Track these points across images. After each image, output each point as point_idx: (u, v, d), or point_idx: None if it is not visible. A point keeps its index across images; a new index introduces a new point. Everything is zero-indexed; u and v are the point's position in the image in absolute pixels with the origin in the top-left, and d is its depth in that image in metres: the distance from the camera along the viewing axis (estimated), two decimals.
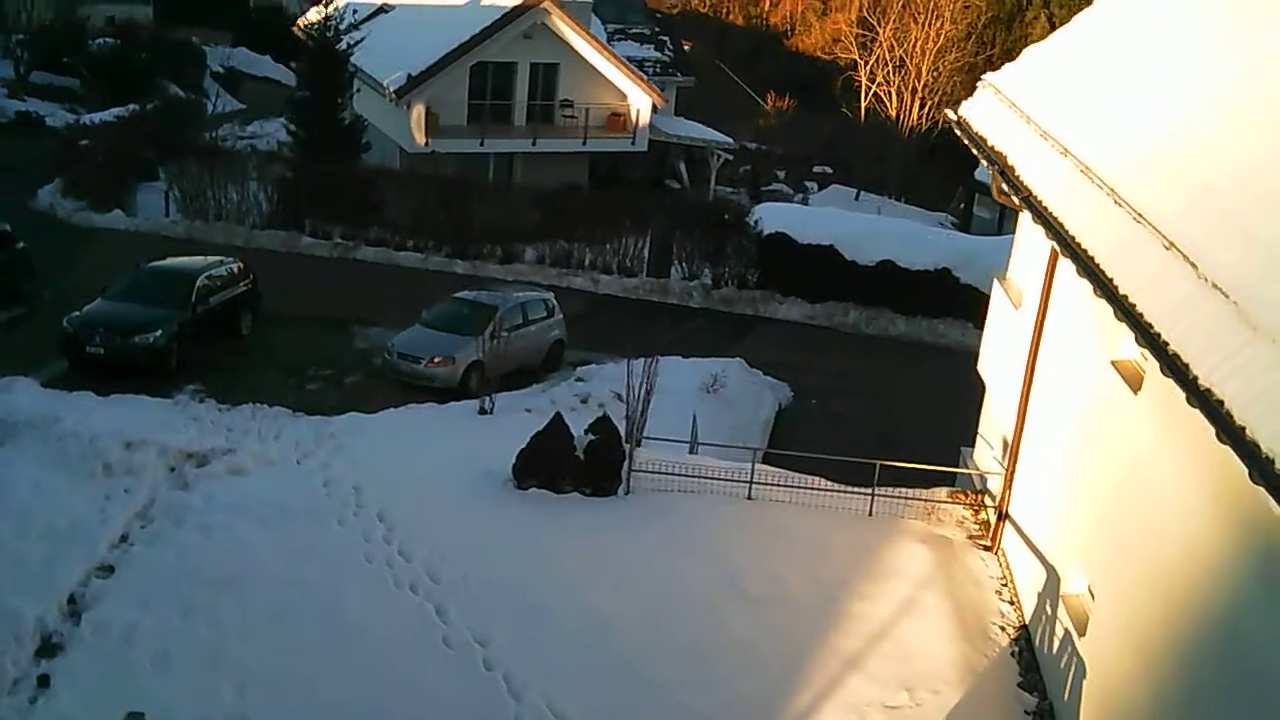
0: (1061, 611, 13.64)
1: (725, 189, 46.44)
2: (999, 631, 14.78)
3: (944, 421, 21.92)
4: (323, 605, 13.80)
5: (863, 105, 49.51)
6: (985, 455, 18.17)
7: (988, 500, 17.34)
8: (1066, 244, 12.19)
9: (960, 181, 54.74)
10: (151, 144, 37.86)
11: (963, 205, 41.21)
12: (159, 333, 21.77)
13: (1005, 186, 14.96)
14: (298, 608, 13.72)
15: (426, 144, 37.20)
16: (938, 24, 49.43)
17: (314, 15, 45.18)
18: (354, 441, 18.56)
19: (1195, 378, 8.99)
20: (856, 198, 43.98)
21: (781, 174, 50.20)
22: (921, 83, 49.29)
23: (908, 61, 49.24)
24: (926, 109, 49.74)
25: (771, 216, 30.59)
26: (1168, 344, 9.58)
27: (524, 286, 26.70)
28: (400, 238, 32.02)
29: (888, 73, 49.08)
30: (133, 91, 48.93)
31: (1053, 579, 14.16)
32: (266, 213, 32.00)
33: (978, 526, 17.08)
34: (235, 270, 24.78)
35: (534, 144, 38.99)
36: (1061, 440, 14.64)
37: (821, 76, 62.10)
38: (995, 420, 17.95)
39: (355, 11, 42.80)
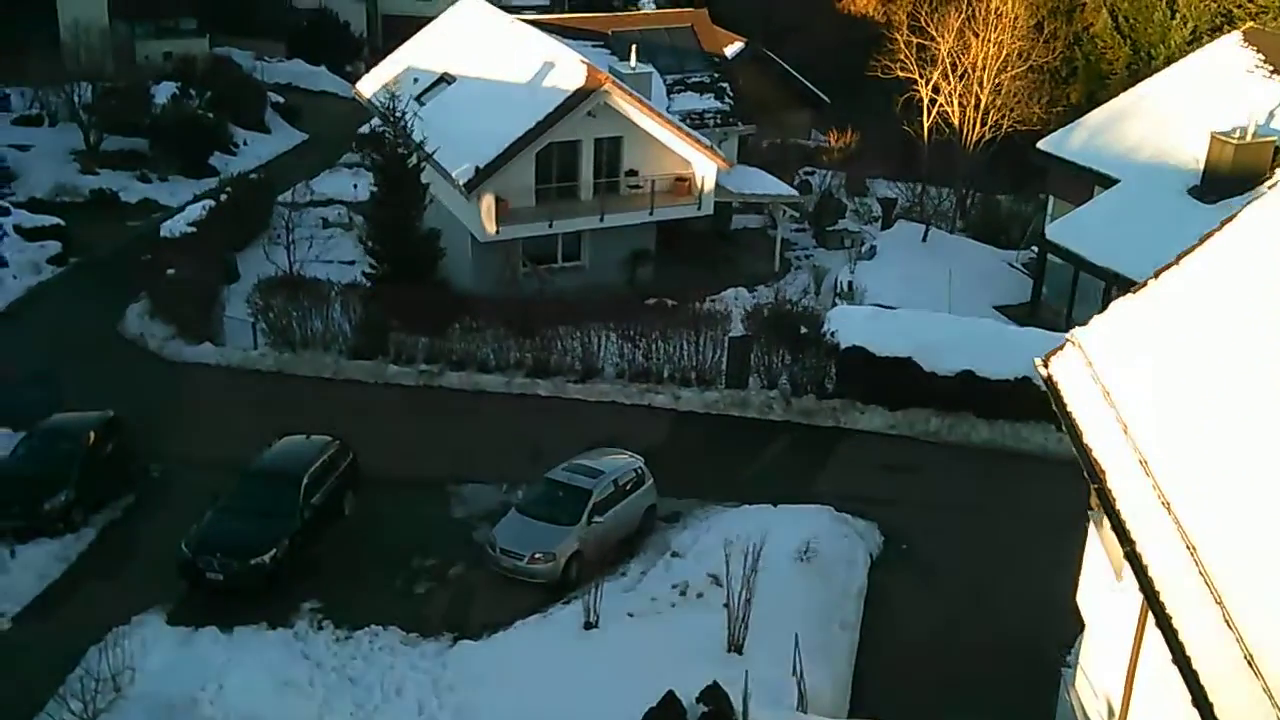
0: None
1: (791, 225, 46.43)
2: None
3: (1039, 568, 22.35)
4: None
5: (926, 123, 48.90)
6: (1089, 701, 18.58)
7: None
8: (1171, 635, 12.51)
9: (1026, 185, 54.31)
10: (231, 245, 38.87)
11: (1034, 249, 40.90)
12: (273, 552, 22.69)
13: (1102, 507, 15.22)
14: None
15: (497, 232, 37.57)
16: (998, 34, 48.53)
17: (373, 83, 45.46)
18: (471, 696, 19.39)
19: None
20: (924, 237, 43.76)
21: (846, 199, 49.99)
22: (985, 92, 48.60)
23: (970, 74, 48.51)
24: (991, 118, 49.08)
25: (847, 328, 30.74)
26: None
27: (611, 447, 27.09)
28: (483, 352, 32.58)
29: (950, 89, 48.37)
30: (199, 150, 49.96)
31: None
32: (351, 342, 32.60)
33: None
34: (335, 452, 25.52)
35: (601, 219, 39.23)
36: None
37: (873, 41, 61.28)
38: (1095, 662, 18.35)
39: (416, 80, 43.13)
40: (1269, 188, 18.08)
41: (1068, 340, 18.16)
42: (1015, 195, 54.42)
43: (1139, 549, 14.02)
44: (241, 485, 24.06)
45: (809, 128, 66.60)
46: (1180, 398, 15.29)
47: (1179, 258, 17.93)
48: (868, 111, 60.32)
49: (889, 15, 76.87)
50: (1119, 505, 14.78)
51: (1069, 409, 16.98)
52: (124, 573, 23.73)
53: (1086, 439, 16.14)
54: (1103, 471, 15.47)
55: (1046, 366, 18.17)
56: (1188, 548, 13.29)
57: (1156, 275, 17.99)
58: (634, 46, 40.87)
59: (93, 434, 25.86)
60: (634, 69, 39.73)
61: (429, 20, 53.14)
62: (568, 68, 38.42)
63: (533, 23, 44.38)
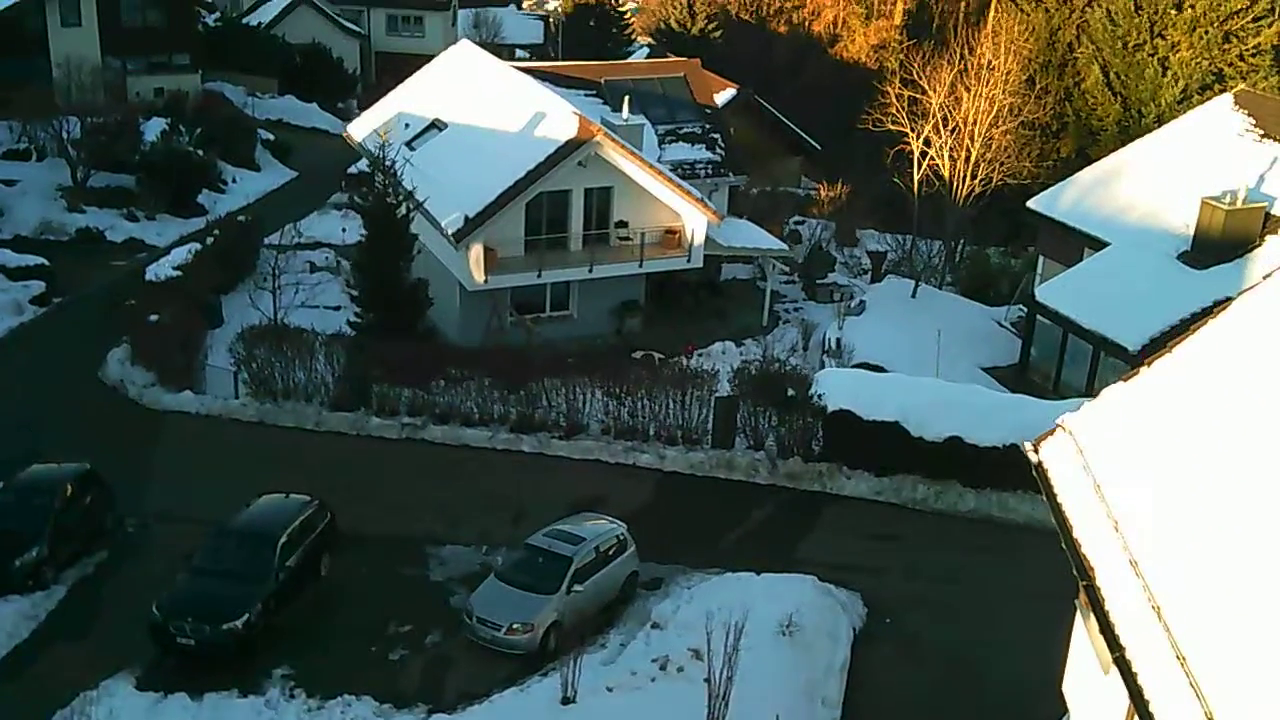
0: None
1: (780, 277, 46.21)
2: None
3: (1025, 644, 21.99)
4: None
5: (917, 176, 48.79)
6: None
7: None
8: None
9: (1016, 238, 54.33)
10: (216, 288, 38.60)
11: (1023, 308, 40.73)
12: (246, 617, 22.24)
13: (1091, 605, 14.92)
14: None
15: (485, 281, 37.33)
16: (990, 89, 48.52)
17: (363, 127, 45.27)
18: None
19: None
20: (914, 293, 43.63)
21: (833, 254, 49.85)
22: (976, 145, 48.53)
23: (961, 128, 48.47)
24: (981, 171, 48.99)
25: (835, 391, 30.45)
26: None
27: (593, 512, 26.72)
28: (466, 405, 32.24)
29: (941, 142, 48.29)
30: (188, 188, 49.70)
31: None
32: (334, 393, 32.23)
33: None
34: (314, 512, 25.12)
35: (591, 270, 39.00)
36: None
37: (865, 88, 61.36)
38: None
39: (407, 125, 42.98)
40: (1264, 277, 17.75)
41: (1058, 426, 17.88)
42: (1005, 248, 54.48)
43: (1128, 655, 13.72)
44: (216, 545, 23.61)
45: (799, 175, 66.64)
46: (1173, 496, 15.00)
47: (1171, 346, 17.71)
48: (859, 159, 60.40)
49: (881, 62, 77.35)
50: (1108, 607, 14.48)
51: (1059, 500, 16.69)
52: (94, 633, 23.27)
53: (1076, 533, 15.83)
54: (1092, 569, 15.17)
55: (1037, 452, 17.90)
56: (1178, 658, 12.99)
57: (1149, 363, 17.76)
58: (626, 98, 40.76)
59: (68, 488, 25.38)
60: (626, 120, 39.60)
61: (423, 57, 53.17)
62: (559, 118, 38.27)
63: (526, 70, 44.36)
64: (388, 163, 34.14)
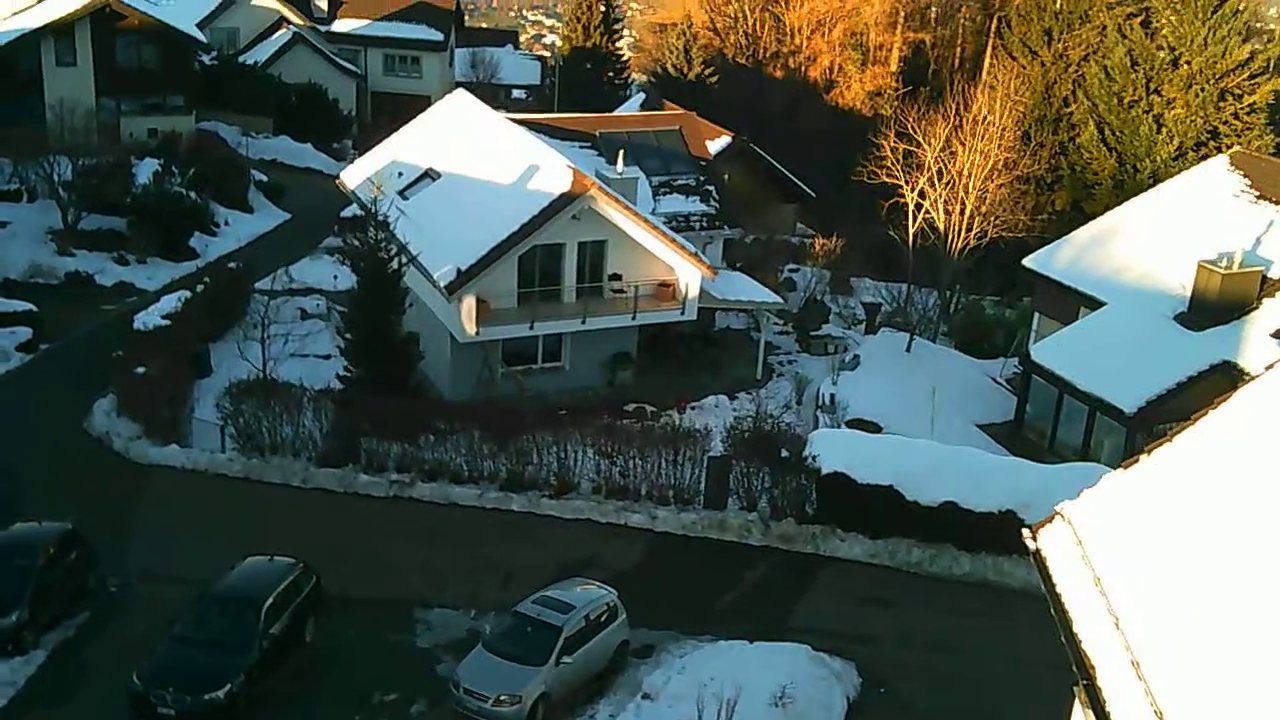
0: None
1: (774, 328, 45.96)
2: None
3: (1022, 709, 21.66)
4: None
5: (911, 229, 48.68)
6: None
7: None
8: None
9: (1011, 289, 54.22)
10: (205, 336, 38.26)
11: (1017, 363, 40.53)
12: (228, 688, 21.85)
13: (1091, 705, 14.59)
14: None
15: (477, 333, 37.05)
16: (984, 143, 48.47)
17: (356, 175, 45.09)
18: None
19: None
20: (908, 348, 43.39)
21: (830, 304, 49.71)
22: (971, 198, 48.43)
23: (956, 181, 48.39)
24: (976, 224, 48.88)
25: (829, 453, 30.19)
26: None
27: (583, 577, 26.33)
28: (455, 463, 31.91)
29: (936, 195, 48.19)
30: (180, 230, 49.46)
31: None
32: (322, 449, 31.87)
33: None
34: (299, 576, 24.74)
35: (584, 322, 38.73)
36: None
37: (861, 135, 61.44)
38: None
39: (400, 174, 42.80)
40: (1266, 368, 17.49)
41: (1057, 513, 17.58)
42: (1000, 298, 54.38)
43: None
44: (199, 611, 23.22)
45: (794, 222, 66.61)
46: (1175, 593, 14.69)
47: (1172, 435, 17.44)
48: (854, 208, 60.40)
49: (876, 109, 77.59)
50: (1109, 709, 14.15)
51: (1058, 591, 16.36)
52: (74, 701, 22.80)
53: (1076, 628, 15.52)
54: (1092, 667, 14.83)
55: (1035, 539, 17.59)
56: None
57: (1149, 451, 17.48)
58: (621, 151, 40.65)
59: (50, 549, 24.95)
60: (621, 173, 39.45)
61: (419, 98, 53.13)
62: (554, 170, 38.09)
63: (521, 121, 44.23)
64: (381, 217, 33.85)
